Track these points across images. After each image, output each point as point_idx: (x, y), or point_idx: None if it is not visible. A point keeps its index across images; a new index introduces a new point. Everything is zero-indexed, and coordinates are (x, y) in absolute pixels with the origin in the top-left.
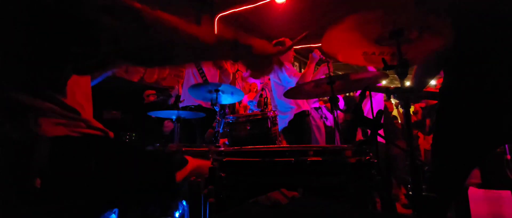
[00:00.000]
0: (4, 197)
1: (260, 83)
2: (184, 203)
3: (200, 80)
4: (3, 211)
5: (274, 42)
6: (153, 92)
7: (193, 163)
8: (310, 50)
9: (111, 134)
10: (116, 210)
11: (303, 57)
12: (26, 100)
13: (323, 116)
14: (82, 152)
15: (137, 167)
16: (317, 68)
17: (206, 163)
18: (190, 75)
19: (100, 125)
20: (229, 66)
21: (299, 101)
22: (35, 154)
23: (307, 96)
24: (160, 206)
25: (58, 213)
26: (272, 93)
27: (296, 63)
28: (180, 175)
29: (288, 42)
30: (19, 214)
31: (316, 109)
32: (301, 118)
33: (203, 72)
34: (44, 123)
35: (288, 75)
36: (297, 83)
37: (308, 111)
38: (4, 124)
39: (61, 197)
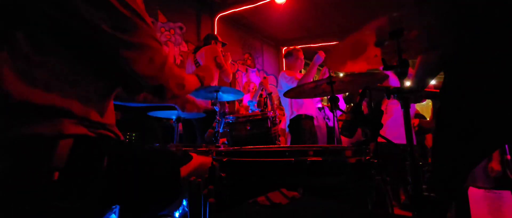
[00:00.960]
0: (23, 191)
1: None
2: (185, 202)
3: None
4: (19, 205)
5: (285, 51)
6: None
7: (196, 159)
8: (311, 50)
9: (122, 136)
10: (117, 210)
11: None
12: (52, 101)
13: (325, 116)
14: (97, 150)
15: (143, 166)
16: (321, 69)
17: (209, 160)
18: None
19: (114, 129)
20: (229, 66)
21: (295, 107)
22: (57, 150)
23: (307, 95)
24: (164, 203)
25: (68, 209)
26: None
27: None
28: (184, 170)
29: (298, 50)
30: (35, 209)
31: (320, 109)
32: (296, 122)
33: None
34: (66, 122)
35: (286, 82)
36: (297, 85)
37: (305, 115)
38: (32, 122)
39: (75, 193)
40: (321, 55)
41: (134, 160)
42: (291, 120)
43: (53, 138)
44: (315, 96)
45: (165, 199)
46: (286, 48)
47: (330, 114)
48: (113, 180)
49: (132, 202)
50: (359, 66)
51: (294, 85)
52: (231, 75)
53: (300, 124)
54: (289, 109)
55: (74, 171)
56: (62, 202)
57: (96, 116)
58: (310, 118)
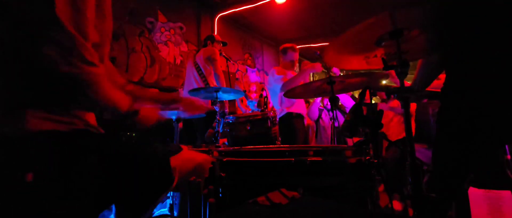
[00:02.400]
0: None
1: (260, 83)
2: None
3: (201, 83)
4: None
5: (281, 47)
6: (158, 91)
7: (196, 158)
8: (311, 50)
9: (101, 130)
10: (113, 207)
11: (303, 57)
12: (15, 97)
13: (332, 116)
14: (71, 146)
15: (130, 161)
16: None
17: (207, 159)
18: (191, 78)
19: (93, 123)
20: (221, 72)
21: (286, 104)
22: (24, 149)
23: (307, 95)
24: (155, 195)
25: (52, 209)
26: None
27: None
28: (174, 161)
29: (294, 47)
30: (14, 212)
31: (328, 110)
32: (287, 120)
33: (202, 73)
34: (30, 117)
35: (274, 81)
36: (284, 84)
37: (296, 113)
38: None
39: (52, 193)
40: (318, 69)
41: (119, 155)
42: (280, 119)
43: (19, 135)
44: (315, 96)
45: (152, 193)
46: (284, 44)
47: (340, 115)
48: (101, 177)
49: (123, 197)
50: (358, 64)
51: (280, 85)
52: (223, 81)
53: (292, 122)
54: (279, 107)
55: (53, 169)
56: (39, 204)
57: (65, 108)
58: (301, 117)
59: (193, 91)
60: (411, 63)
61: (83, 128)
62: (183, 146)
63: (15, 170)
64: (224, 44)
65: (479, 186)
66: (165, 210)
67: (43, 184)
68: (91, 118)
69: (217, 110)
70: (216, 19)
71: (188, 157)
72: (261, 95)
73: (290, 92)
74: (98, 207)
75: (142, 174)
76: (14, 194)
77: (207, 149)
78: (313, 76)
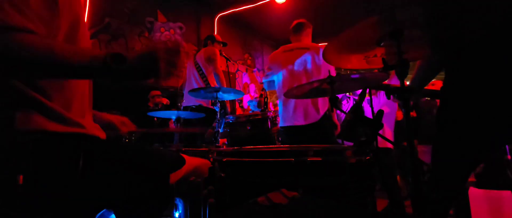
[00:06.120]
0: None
1: (260, 83)
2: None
3: (202, 83)
4: None
5: None
6: (159, 92)
7: (191, 162)
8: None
9: (103, 134)
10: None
11: None
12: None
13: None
14: (64, 150)
15: (127, 167)
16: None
17: (205, 163)
18: (192, 78)
19: (94, 125)
20: (221, 72)
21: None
22: (15, 151)
23: (307, 96)
24: (153, 207)
25: (44, 213)
26: None
27: None
28: (174, 177)
29: None
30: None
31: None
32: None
33: (203, 73)
34: (22, 118)
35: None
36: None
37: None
38: None
39: (44, 196)
40: None
41: (114, 159)
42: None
43: (11, 137)
44: (315, 96)
45: (154, 203)
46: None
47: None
48: (93, 181)
49: (121, 205)
50: (358, 64)
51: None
52: (223, 81)
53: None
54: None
55: (39, 174)
56: (32, 206)
57: (58, 111)
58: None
59: (193, 91)
60: (411, 63)
61: (77, 131)
62: (185, 156)
63: (6, 172)
64: (225, 44)
65: (479, 186)
66: None
67: (34, 186)
68: (88, 121)
69: (217, 110)
70: (216, 19)
71: (187, 165)
72: (261, 95)
73: (291, 93)
74: (90, 211)
75: (136, 190)
76: (5, 197)
77: (207, 149)
78: None
